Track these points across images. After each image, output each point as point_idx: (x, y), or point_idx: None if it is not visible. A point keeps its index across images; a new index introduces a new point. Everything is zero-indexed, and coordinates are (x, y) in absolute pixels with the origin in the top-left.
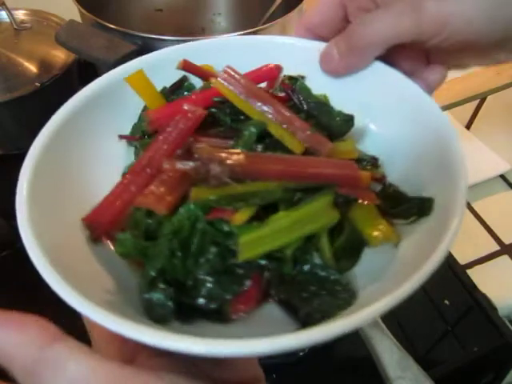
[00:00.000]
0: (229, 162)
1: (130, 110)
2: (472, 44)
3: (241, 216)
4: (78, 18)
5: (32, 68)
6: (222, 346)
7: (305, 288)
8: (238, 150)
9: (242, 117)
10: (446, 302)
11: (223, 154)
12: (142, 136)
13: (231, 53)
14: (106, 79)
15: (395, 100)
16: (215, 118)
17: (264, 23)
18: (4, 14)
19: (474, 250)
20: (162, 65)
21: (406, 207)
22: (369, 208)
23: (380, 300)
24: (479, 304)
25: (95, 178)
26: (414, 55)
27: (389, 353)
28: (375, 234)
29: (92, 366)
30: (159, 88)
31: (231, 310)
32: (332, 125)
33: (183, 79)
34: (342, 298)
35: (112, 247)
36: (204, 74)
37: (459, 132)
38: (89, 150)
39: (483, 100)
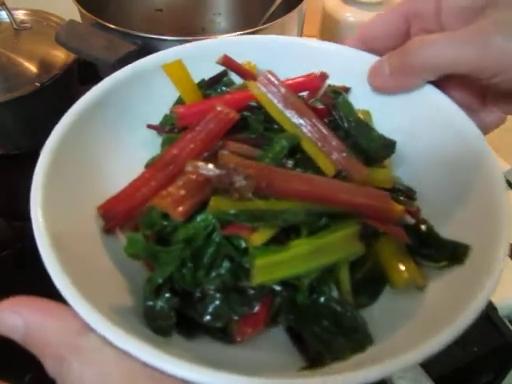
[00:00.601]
0: (255, 176)
1: (162, 100)
2: None
3: (260, 236)
4: (78, 18)
5: (32, 68)
6: (220, 380)
7: (317, 321)
8: (266, 165)
9: (276, 126)
10: None
11: (250, 167)
12: (171, 129)
13: (276, 53)
14: (141, 64)
15: (442, 130)
16: (247, 122)
17: (264, 23)
18: (4, 14)
19: None
20: (202, 56)
21: (437, 250)
22: (396, 244)
23: (399, 356)
24: None
25: (117, 167)
26: (467, 88)
27: None
28: (400, 273)
29: (118, 361)
30: (196, 80)
31: (237, 331)
32: (371, 148)
33: (223, 74)
34: (356, 340)
35: (124, 241)
36: (243, 72)
37: None
38: (113, 137)
39: None
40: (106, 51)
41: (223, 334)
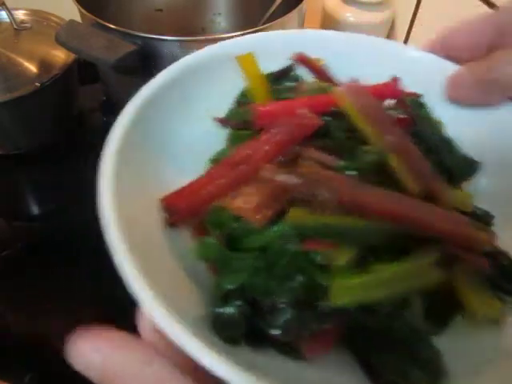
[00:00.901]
0: (338, 189)
1: (225, 90)
2: None
3: (343, 255)
4: (78, 18)
5: (32, 68)
6: None
7: (388, 348)
8: (350, 178)
9: (359, 136)
10: None
11: (333, 179)
12: (240, 124)
13: (343, 51)
14: (205, 53)
15: None
16: (328, 129)
17: (264, 23)
18: (4, 14)
19: None
20: (268, 48)
21: None
22: (475, 273)
23: None
24: None
25: (180, 156)
26: None
27: None
28: (477, 305)
29: None
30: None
31: (307, 348)
32: (454, 167)
33: (290, 68)
34: (431, 373)
35: (188, 238)
36: (320, 73)
37: None
38: (177, 125)
39: None
40: (105, 51)
41: (291, 349)
